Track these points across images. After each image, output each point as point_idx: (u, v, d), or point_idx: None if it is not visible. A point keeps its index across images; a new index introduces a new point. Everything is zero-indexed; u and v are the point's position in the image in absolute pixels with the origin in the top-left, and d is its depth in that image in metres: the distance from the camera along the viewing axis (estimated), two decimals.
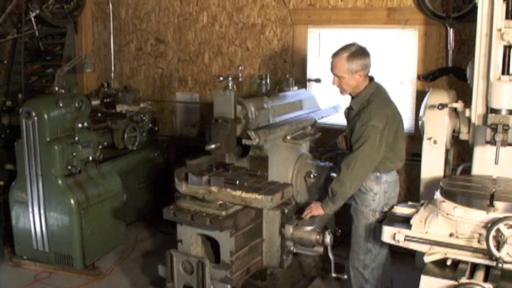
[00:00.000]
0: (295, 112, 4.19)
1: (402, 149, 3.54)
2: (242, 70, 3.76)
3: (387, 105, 3.45)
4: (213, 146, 3.53)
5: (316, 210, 3.56)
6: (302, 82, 4.84)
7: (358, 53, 3.37)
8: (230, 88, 3.60)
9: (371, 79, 3.50)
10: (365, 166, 3.33)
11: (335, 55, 3.41)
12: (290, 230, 3.58)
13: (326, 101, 4.75)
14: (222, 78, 3.65)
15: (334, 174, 3.99)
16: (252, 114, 3.66)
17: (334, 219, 4.10)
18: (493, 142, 3.08)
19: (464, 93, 3.90)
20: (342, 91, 3.51)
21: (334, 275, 3.62)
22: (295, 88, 4.45)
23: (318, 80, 4.82)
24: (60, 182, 4.30)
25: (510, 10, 3.13)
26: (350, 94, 3.52)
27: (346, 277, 3.67)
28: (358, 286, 3.63)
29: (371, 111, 3.31)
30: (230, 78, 3.61)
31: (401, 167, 3.61)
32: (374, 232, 3.46)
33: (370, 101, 3.38)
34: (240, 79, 3.71)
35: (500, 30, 3.12)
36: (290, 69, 5.22)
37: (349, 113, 3.57)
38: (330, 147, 4.84)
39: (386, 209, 3.46)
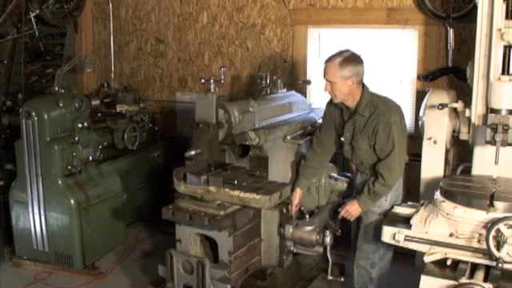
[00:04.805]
0: (284, 115, 4.09)
1: (406, 143, 3.54)
2: (224, 72, 3.63)
3: (390, 100, 3.47)
4: (193, 153, 3.37)
5: (355, 211, 3.51)
6: (294, 84, 4.79)
7: (351, 59, 3.34)
8: (212, 91, 3.43)
9: (363, 85, 3.44)
10: (401, 162, 3.43)
11: (328, 61, 3.39)
12: (290, 229, 3.58)
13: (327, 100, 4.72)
14: (203, 80, 3.50)
15: (334, 174, 3.99)
16: (235, 119, 3.54)
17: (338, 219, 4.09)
18: (493, 142, 3.07)
19: (464, 93, 3.90)
20: (335, 97, 3.45)
21: (329, 278, 3.61)
22: (284, 90, 4.35)
23: (305, 81, 4.78)
24: (60, 182, 4.30)
25: (510, 10, 3.13)
26: (344, 104, 3.45)
27: (343, 279, 3.65)
28: (361, 285, 3.62)
29: (385, 111, 3.34)
30: (212, 80, 3.45)
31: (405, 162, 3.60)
32: None
33: (374, 103, 3.38)
34: (222, 81, 3.58)
35: (500, 29, 3.12)
36: (290, 69, 5.22)
37: (355, 121, 3.44)
38: None
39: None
